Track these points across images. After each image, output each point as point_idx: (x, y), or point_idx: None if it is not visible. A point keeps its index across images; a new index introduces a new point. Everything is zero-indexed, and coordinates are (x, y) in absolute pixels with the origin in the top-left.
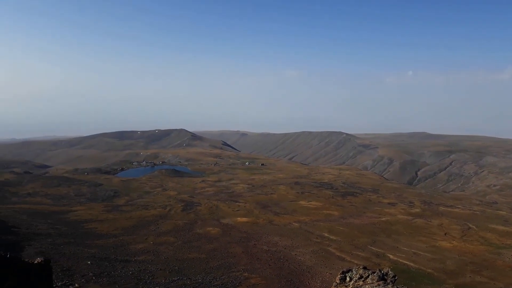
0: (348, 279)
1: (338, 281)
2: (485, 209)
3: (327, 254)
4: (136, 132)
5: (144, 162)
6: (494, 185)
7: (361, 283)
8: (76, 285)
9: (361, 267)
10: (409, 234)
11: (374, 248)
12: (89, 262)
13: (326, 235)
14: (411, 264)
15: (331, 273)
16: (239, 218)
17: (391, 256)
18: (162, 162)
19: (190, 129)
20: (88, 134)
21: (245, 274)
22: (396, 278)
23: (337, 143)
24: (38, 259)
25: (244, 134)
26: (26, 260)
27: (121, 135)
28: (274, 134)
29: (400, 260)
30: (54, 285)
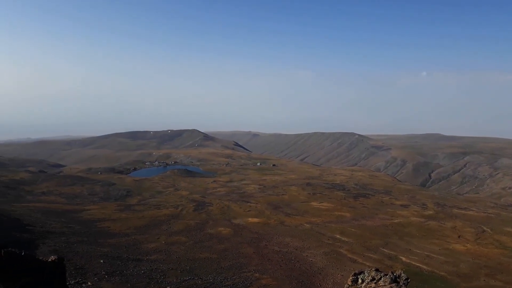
0: (360, 281)
1: (350, 283)
2: (500, 211)
3: (338, 255)
4: (148, 132)
5: (156, 162)
6: (510, 188)
7: (373, 285)
8: (89, 283)
9: (373, 269)
10: (422, 236)
11: (386, 250)
12: (101, 261)
13: (337, 236)
14: (424, 266)
15: (342, 275)
16: (250, 219)
17: (403, 259)
18: (174, 162)
19: (202, 129)
20: (101, 134)
21: (256, 274)
22: (408, 280)
23: (350, 144)
24: (52, 257)
25: (256, 135)
26: (41, 258)
27: (134, 135)
28: (286, 134)
29: (413, 263)
30: (68, 283)
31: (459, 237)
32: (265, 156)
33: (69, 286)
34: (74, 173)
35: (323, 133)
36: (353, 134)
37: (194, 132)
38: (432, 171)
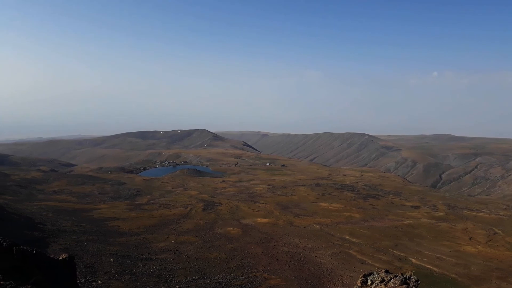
0: (369, 282)
1: (359, 284)
2: None
3: (348, 256)
4: (158, 132)
5: (166, 162)
6: None
7: (383, 287)
8: (99, 281)
9: (383, 270)
10: (432, 238)
11: (396, 252)
12: (111, 260)
13: (347, 237)
14: (434, 268)
15: (351, 276)
16: (259, 219)
17: (413, 260)
18: (184, 162)
19: (212, 129)
20: (112, 134)
21: (265, 275)
22: (419, 282)
23: (359, 144)
24: (63, 255)
25: (265, 135)
26: (52, 256)
27: (144, 135)
28: (295, 135)
29: (423, 265)
30: (78, 281)
31: (470, 239)
32: (274, 156)
33: (80, 284)
34: (85, 172)
35: (332, 134)
36: (363, 134)
37: (203, 132)
38: (442, 172)
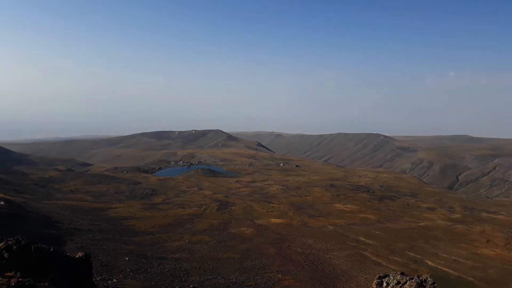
0: (385, 284)
1: (374, 286)
2: None
3: (362, 258)
4: (173, 132)
5: (181, 162)
6: None
7: None
8: (115, 280)
9: (398, 272)
10: (449, 240)
11: (411, 254)
12: (127, 258)
13: (361, 239)
14: (451, 271)
15: (366, 278)
16: (273, 219)
17: (429, 263)
18: (198, 162)
19: (226, 129)
20: (128, 134)
21: (279, 275)
22: (435, 285)
23: (375, 145)
24: (79, 254)
25: (279, 135)
26: (69, 254)
27: (159, 135)
28: (309, 135)
29: (439, 267)
30: (94, 279)
31: (487, 241)
32: (288, 157)
33: (95, 282)
34: (101, 172)
35: (346, 134)
36: (378, 135)
37: (218, 132)
38: (459, 174)
